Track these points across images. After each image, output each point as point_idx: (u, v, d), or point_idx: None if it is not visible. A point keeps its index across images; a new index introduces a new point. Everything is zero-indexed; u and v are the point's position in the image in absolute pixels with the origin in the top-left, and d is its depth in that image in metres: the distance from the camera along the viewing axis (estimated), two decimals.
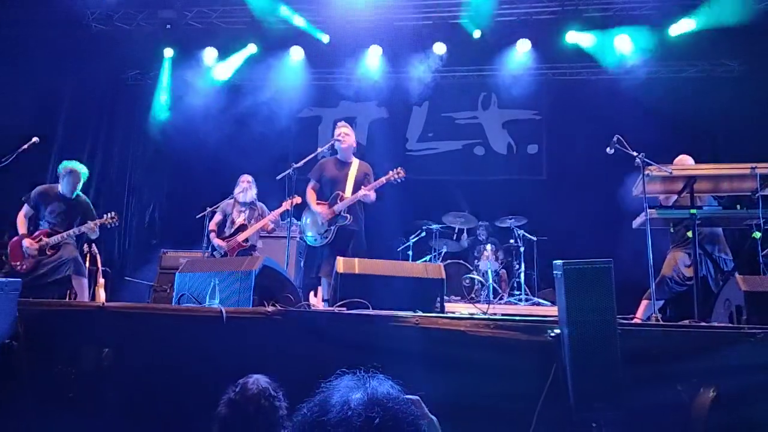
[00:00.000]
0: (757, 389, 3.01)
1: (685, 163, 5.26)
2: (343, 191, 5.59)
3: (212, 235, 6.30)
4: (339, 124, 5.91)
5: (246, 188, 6.38)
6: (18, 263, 5.45)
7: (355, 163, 5.80)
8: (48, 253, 5.51)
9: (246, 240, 6.15)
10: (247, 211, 6.33)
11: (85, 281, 5.67)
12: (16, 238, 5.58)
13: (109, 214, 5.75)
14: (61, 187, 5.75)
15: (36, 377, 3.42)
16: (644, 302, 4.99)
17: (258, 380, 2.40)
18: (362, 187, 5.55)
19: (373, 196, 5.57)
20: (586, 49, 8.70)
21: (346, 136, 5.76)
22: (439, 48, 8.96)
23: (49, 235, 5.56)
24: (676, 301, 5.18)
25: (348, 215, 5.48)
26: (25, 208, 5.72)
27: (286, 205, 5.96)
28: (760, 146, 6.61)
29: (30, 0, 7.23)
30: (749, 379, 3.05)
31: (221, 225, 6.37)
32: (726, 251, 5.12)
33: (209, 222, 6.51)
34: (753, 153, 4.95)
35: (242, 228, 6.20)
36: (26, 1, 7.24)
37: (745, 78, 8.44)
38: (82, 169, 5.85)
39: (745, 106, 7.93)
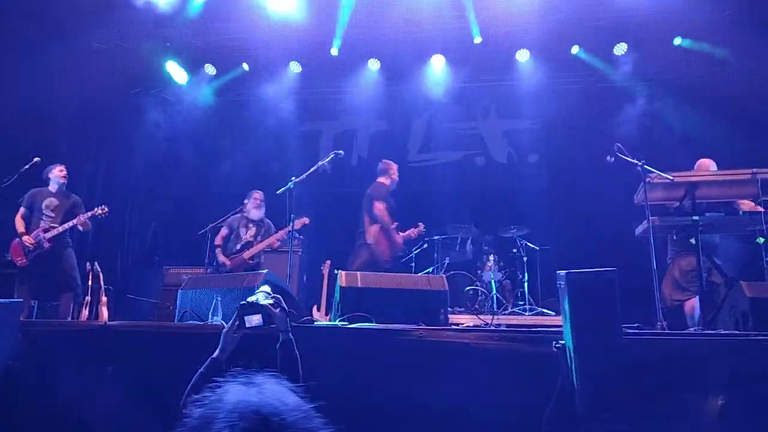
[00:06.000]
0: (766, 397, 2.97)
1: (708, 167, 5.27)
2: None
3: (218, 251, 6.26)
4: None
5: (257, 205, 6.34)
6: (18, 259, 5.83)
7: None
8: (45, 246, 5.82)
9: (252, 258, 6.12)
10: (255, 228, 6.29)
11: (68, 298, 5.88)
12: (15, 240, 5.91)
13: (99, 207, 6.01)
14: (51, 187, 6.16)
15: (38, 398, 3.40)
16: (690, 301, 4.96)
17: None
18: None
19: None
20: (584, 58, 8.74)
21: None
22: (438, 59, 9.00)
23: (45, 231, 5.90)
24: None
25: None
26: (21, 210, 6.04)
27: (297, 225, 5.92)
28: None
29: (29, 19, 7.27)
30: (757, 387, 3.02)
31: (226, 239, 6.33)
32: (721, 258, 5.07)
33: (212, 237, 6.49)
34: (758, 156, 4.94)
35: (248, 245, 6.16)
36: (25, 18, 7.29)
37: (744, 78, 8.41)
38: (62, 168, 6.24)
39: (745, 107, 7.90)
